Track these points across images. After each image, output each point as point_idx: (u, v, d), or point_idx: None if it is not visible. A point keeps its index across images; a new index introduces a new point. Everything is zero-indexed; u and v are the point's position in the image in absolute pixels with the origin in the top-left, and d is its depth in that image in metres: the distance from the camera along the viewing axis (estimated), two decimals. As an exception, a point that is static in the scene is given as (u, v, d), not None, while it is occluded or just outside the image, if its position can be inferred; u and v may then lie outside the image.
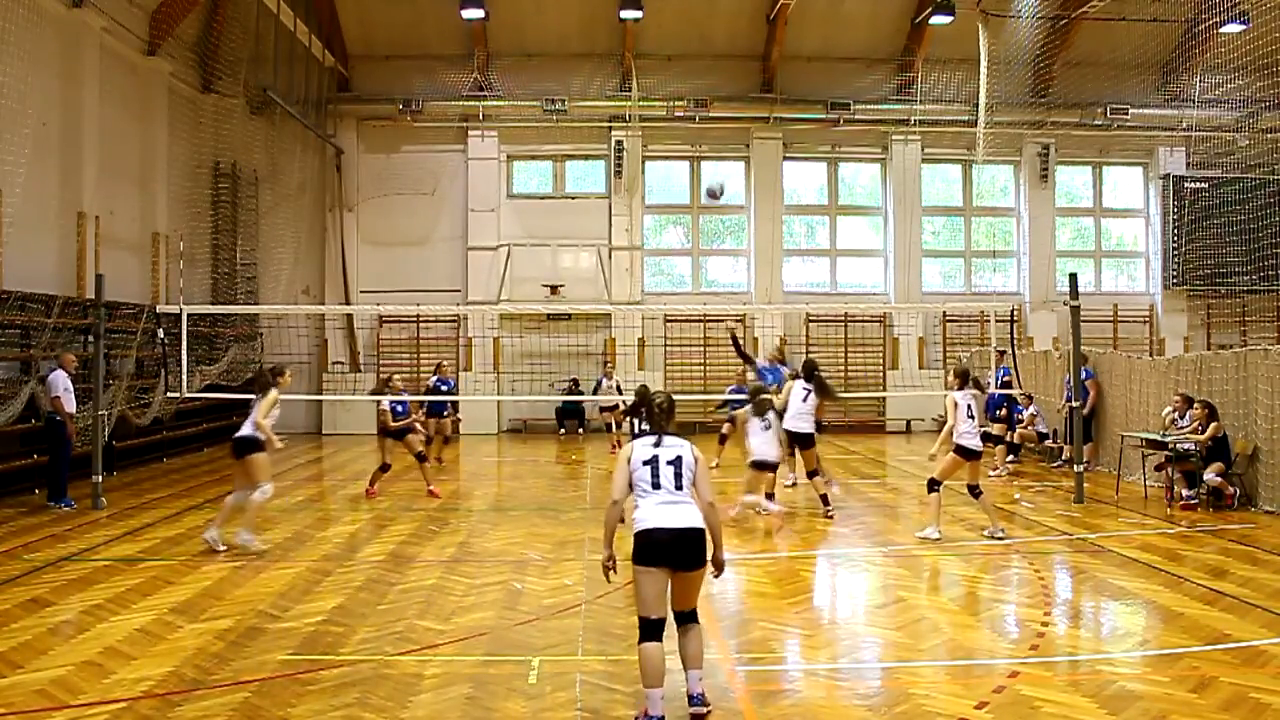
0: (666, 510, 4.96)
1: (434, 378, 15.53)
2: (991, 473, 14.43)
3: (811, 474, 10.93)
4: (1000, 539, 9.34)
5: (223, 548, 8.97)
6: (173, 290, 16.87)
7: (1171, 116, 21.92)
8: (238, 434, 9.26)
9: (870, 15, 21.54)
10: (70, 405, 11.44)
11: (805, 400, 10.94)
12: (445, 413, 15.49)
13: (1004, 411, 14.91)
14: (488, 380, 21.13)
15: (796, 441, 11.11)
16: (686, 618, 5.06)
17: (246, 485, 9.14)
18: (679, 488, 5.03)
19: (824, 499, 10.75)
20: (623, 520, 5.15)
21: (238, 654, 6.03)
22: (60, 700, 5.25)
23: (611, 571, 5.13)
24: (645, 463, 5.08)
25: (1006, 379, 14.58)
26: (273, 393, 9.27)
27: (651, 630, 4.91)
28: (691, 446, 5.17)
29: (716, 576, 5.20)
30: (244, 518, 9.11)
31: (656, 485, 5.03)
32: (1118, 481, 12.63)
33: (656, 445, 5.12)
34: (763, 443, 9.98)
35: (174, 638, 6.36)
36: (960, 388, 9.62)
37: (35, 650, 6.11)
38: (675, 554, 4.91)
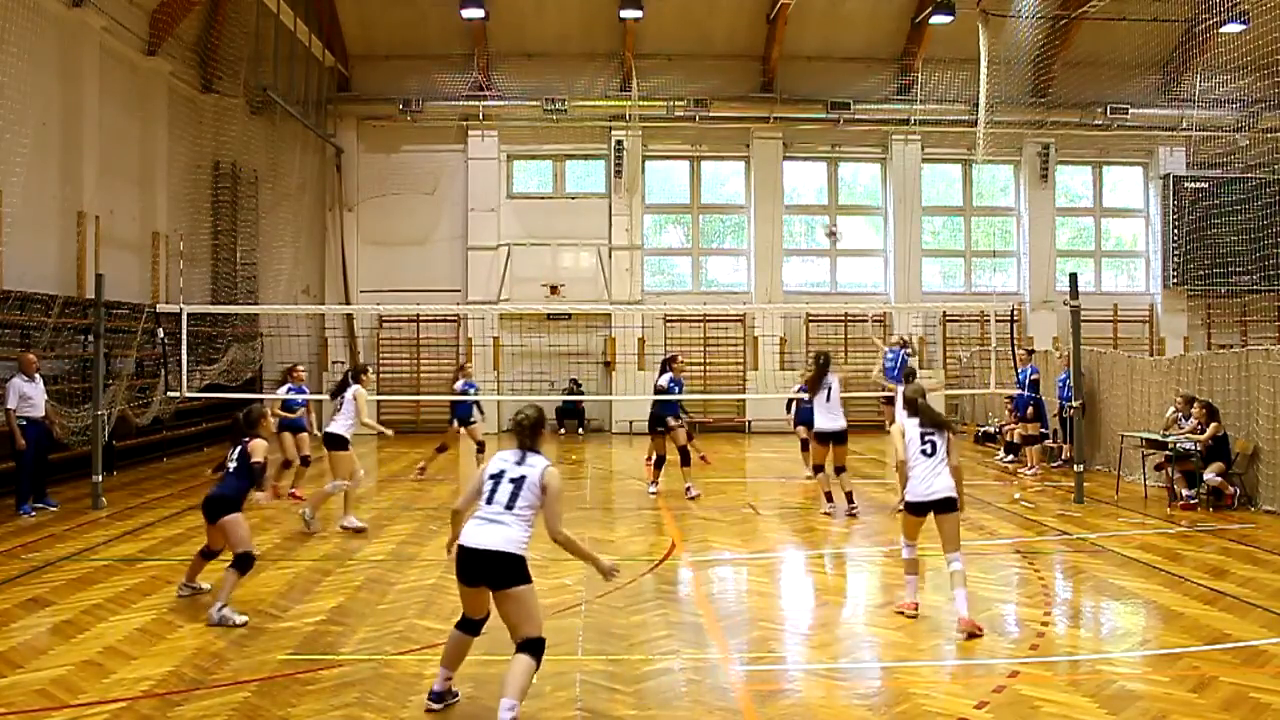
0: (481, 528, 4.91)
1: (460, 382, 14.07)
2: (1026, 471, 14.31)
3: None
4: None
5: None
6: (173, 290, 16.87)
7: (1172, 116, 21.92)
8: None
9: (870, 15, 21.54)
10: (35, 410, 10.97)
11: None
12: (474, 419, 13.74)
13: (1032, 410, 14.66)
14: (488, 380, 21.11)
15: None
16: (521, 647, 4.86)
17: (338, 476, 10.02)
18: (508, 507, 4.92)
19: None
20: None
21: (238, 654, 6.03)
22: (60, 700, 5.25)
23: (448, 552, 5.17)
24: (492, 476, 5.05)
25: (1035, 377, 14.52)
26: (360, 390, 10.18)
27: (465, 623, 5.14)
28: (545, 470, 5.00)
29: (608, 580, 5.35)
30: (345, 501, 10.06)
31: (489, 500, 4.99)
32: (1118, 481, 12.63)
33: (519, 463, 5.04)
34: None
35: (174, 638, 6.36)
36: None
37: (35, 650, 6.12)
38: (479, 572, 4.89)
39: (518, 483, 4.98)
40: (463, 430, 13.65)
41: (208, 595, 7.11)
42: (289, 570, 8.30)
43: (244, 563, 6.84)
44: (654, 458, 12.44)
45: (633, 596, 7.31)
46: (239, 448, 7.21)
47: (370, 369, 11.35)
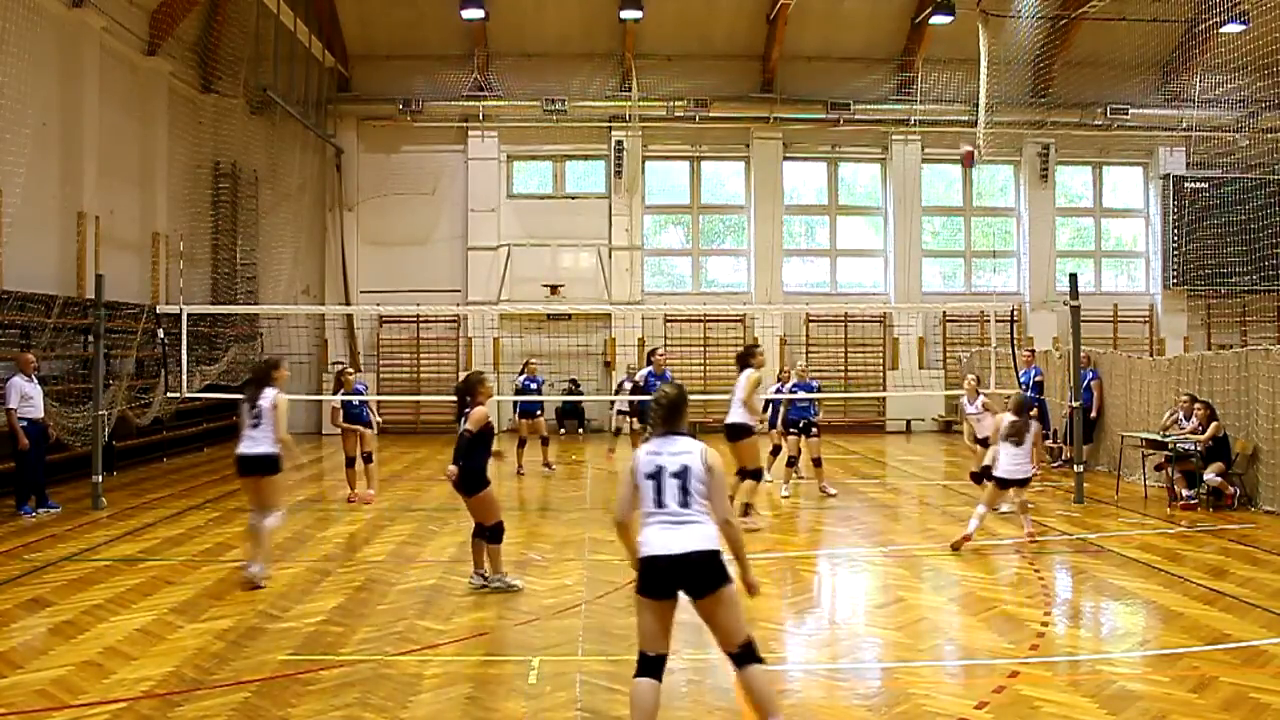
0: (671, 532, 4.40)
1: (522, 377, 14.82)
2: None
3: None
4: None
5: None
6: (173, 290, 16.86)
7: (1171, 116, 21.92)
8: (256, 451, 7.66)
9: (870, 15, 21.54)
10: (35, 410, 10.91)
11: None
12: (538, 413, 14.54)
13: (1035, 412, 14.56)
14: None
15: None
16: (740, 659, 4.38)
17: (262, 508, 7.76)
18: (684, 505, 4.42)
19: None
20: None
21: (238, 654, 6.03)
22: (60, 700, 5.25)
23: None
24: (649, 476, 4.49)
25: (1039, 379, 14.51)
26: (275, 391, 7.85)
27: (646, 666, 4.43)
28: (704, 451, 4.51)
29: (752, 596, 4.67)
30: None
31: (660, 503, 4.45)
32: (1118, 481, 12.63)
33: (672, 452, 4.50)
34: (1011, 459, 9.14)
35: (174, 638, 6.36)
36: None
37: (35, 650, 6.12)
38: (681, 581, 4.39)
39: (681, 475, 4.45)
40: (525, 423, 14.39)
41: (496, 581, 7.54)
42: (289, 570, 8.29)
43: (497, 533, 7.41)
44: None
45: (633, 596, 7.29)
46: (463, 418, 7.37)
47: (283, 363, 8.36)
